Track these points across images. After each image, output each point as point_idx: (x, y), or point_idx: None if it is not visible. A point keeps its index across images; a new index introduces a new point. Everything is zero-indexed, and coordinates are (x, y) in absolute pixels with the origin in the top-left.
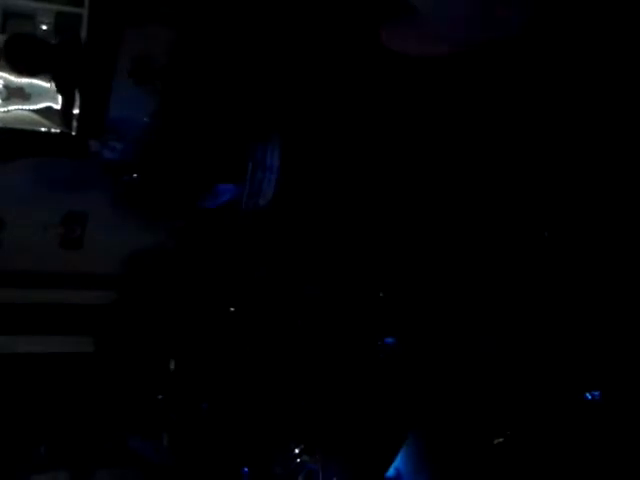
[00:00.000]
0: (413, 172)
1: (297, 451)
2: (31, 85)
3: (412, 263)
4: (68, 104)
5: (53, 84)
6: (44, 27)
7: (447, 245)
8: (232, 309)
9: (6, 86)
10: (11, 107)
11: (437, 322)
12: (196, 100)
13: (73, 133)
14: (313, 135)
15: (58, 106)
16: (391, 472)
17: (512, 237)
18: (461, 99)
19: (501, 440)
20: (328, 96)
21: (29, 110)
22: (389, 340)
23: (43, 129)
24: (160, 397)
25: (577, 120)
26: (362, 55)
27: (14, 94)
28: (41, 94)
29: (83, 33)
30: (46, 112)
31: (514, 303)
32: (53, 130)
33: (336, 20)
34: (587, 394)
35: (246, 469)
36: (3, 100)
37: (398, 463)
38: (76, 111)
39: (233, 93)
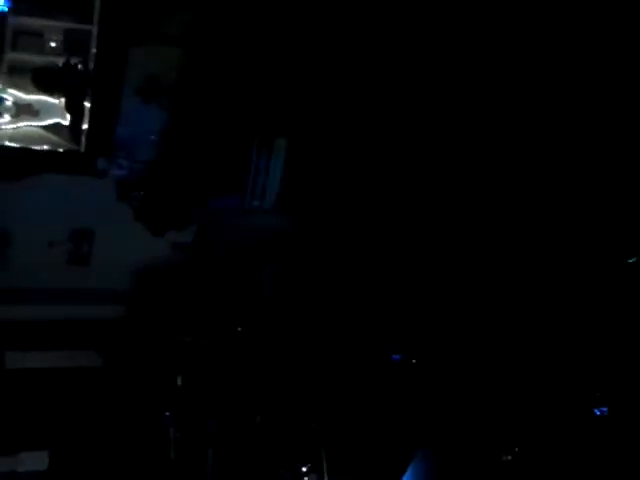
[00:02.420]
0: (416, 179)
1: (304, 470)
2: (40, 102)
3: (416, 278)
4: (77, 121)
5: (62, 101)
6: (53, 44)
7: (450, 258)
8: (239, 329)
9: (15, 103)
10: (20, 124)
11: (444, 340)
12: (201, 112)
13: (82, 150)
14: (316, 140)
15: (67, 122)
16: None
17: (514, 252)
18: (461, 100)
19: (509, 457)
20: (330, 103)
21: (38, 127)
22: (397, 357)
23: (51, 145)
24: (167, 414)
25: (577, 120)
26: (360, 61)
27: (23, 111)
28: (50, 111)
29: (92, 50)
30: (55, 129)
31: (522, 320)
32: (62, 147)
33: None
34: (596, 410)
35: None
36: (12, 117)
37: None
38: (85, 127)
39: (237, 101)
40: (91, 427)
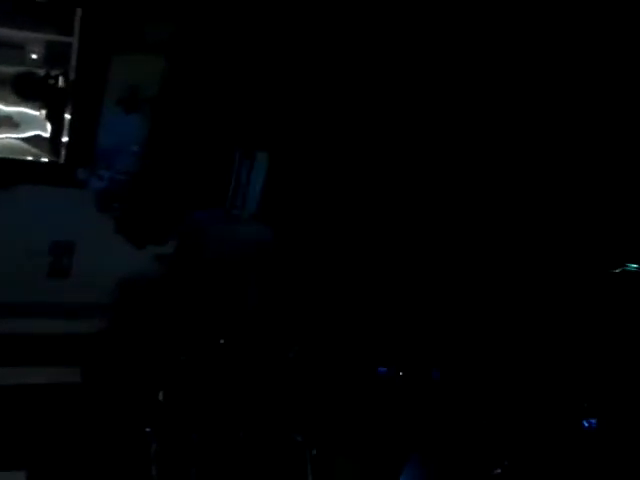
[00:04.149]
0: (400, 188)
1: None
2: (20, 114)
3: (404, 288)
4: (57, 133)
5: (43, 113)
6: (34, 56)
7: (437, 268)
8: (222, 341)
9: None
10: (0, 136)
11: (433, 352)
12: (183, 122)
13: (61, 162)
14: (299, 150)
15: (47, 134)
16: None
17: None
18: (460, 102)
19: (499, 471)
20: (313, 113)
21: (18, 139)
22: (383, 370)
23: (32, 158)
24: (148, 429)
25: (577, 121)
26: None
27: (3, 123)
28: (30, 122)
29: (73, 62)
30: (35, 140)
31: (510, 329)
32: (42, 159)
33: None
34: (584, 422)
35: None
36: None
37: None
38: (65, 139)
39: (219, 113)
40: (70, 444)
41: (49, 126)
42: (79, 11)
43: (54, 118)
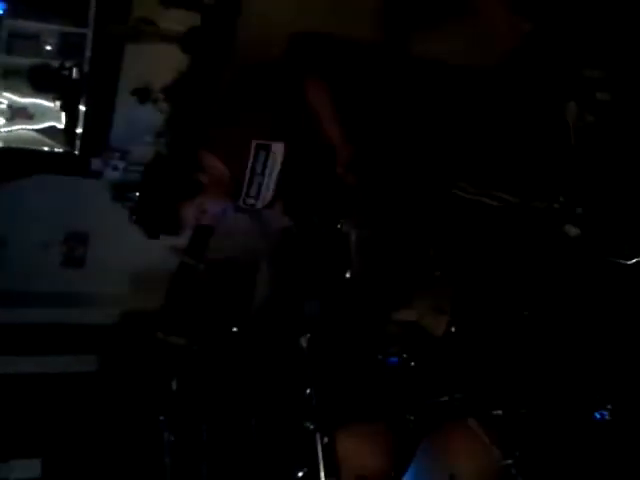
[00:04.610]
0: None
1: (300, 475)
2: (35, 105)
3: (415, 279)
4: (72, 124)
5: (57, 104)
6: (48, 47)
7: (447, 260)
8: (234, 329)
9: (10, 106)
10: (15, 127)
11: (443, 342)
12: (197, 112)
13: (76, 152)
14: (314, 139)
15: (61, 125)
16: None
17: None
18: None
19: (510, 462)
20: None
21: (32, 130)
22: (394, 360)
23: (46, 148)
24: (162, 418)
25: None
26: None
27: (18, 114)
28: (44, 113)
29: (87, 53)
30: (49, 131)
31: (520, 321)
32: (56, 149)
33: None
34: (596, 413)
35: None
36: (7, 120)
37: None
38: (79, 130)
39: (235, 103)
40: (85, 433)
41: (64, 117)
42: (93, 3)
43: (69, 109)
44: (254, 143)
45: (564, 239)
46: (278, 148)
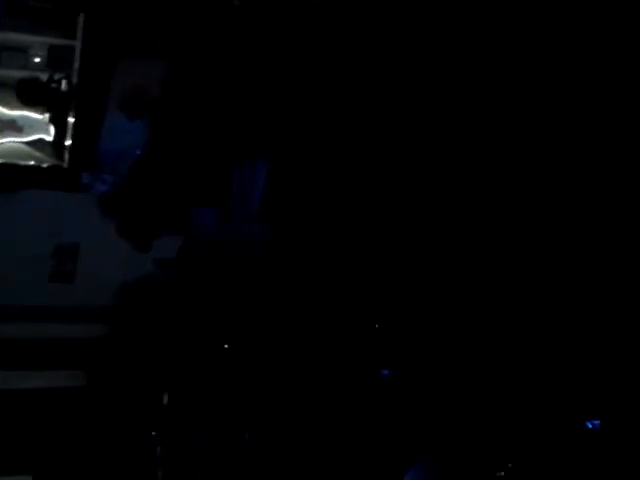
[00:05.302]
0: (403, 188)
1: None
2: (23, 117)
3: (408, 290)
4: (60, 136)
5: (46, 116)
6: (37, 60)
7: (440, 269)
8: (226, 346)
9: None
10: (3, 140)
11: (436, 354)
12: (186, 126)
13: (65, 166)
14: (299, 151)
15: (50, 138)
16: None
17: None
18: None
19: (502, 474)
20: (314, 113)
21: (21, 142)
22: (387, 373)
23: (35, 161)
24: (153, 433)
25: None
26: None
27: (6, 126)
28: (33, 126)
29: (76, 65)
30: (38, 144)
31: (514, 330)
32: (45, 162)
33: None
34: (587, 423)
35: None
36: None
37: None
38: (68, 143)
39: (222, 115)
40: (75, 448)
41: (52, 130)
42: (82, 16)
43: (57, 122)
44: (242, 154)
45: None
46: (264, 158)
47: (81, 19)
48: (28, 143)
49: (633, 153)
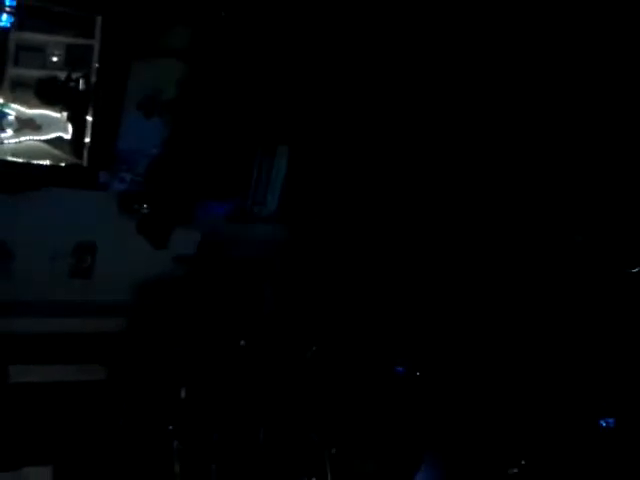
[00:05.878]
0: (419, 187)
1: None
2: (42, 116)
3: (420, 289)
4: (79, 135)
5: (64, 115)
6: (55, 59)
7: (452, 269)
8: (242, 342)
9: (18, 117)
10: (23, 138)
11: (449, 352)
12: (203, 124)
13: (84, 164)
14: (318, 147)
15: (68, 136)
16: None
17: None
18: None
19: (515, 471)
20: (332, 109)
21: (40, 141)
22: (400, 369)
23: (54, 159)
24: (171, 427)
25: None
26: (360, 70)
27: (26, 125)
28: (52, 125)
29: (94, 65)
30: (57, 142)
31: (526, 330)
32: (63, 160)
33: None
34: (602, 421)
35: None
36: (15, 131)
37: None
38: (86, 140)
39: (238, 111)
40: (95, 441)
41: (70, 128)
42: (99, 19)
43: (75, 120)
44: (260, 147)
45: (569, 246)
46: (283, 151)
47: (99, 18)
48: (47, 141)
49: (633, 153)
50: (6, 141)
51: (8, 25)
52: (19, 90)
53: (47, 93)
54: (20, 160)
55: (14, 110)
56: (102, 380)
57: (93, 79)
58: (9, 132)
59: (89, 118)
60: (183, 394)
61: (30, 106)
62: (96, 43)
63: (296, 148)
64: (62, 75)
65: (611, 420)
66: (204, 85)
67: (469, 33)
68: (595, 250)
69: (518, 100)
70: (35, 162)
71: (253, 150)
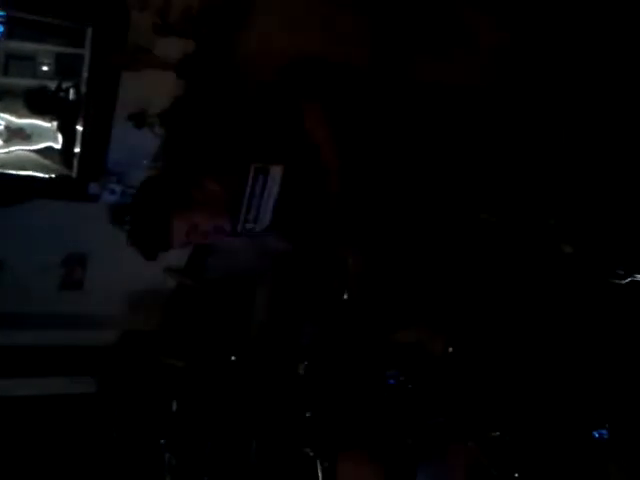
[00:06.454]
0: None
1: None
2: (32, 126)
3: (413, 302)
4: (69, 145)
5: (54, 125)
6: (45, 68)
7: (449, 280)
8: (233, 358)
9: (7, 127)
10: (12, 148)
11: (442, 364)
12: (194, 137)
13: (73, 175)
14: (313, 161)
15: (58, 146)
16: None
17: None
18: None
19: None
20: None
21: (30, 151)
22: (393, 382)
23: (43, 169)
24: (162, 441)
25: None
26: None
27: (15, 135)
28: (42, 135)
29: (84, 73)
30: (47, 152)
31: (520, 339)
32: (53, 171)
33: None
34: (594, 432)
35: None
36: (4, 141)
37: None
38: (76, 150)
39: (231, 126)
40: (86, 454)
41: (60, 138)
42: (89, 30)
43: (66, 130)
44: (253, 167)
45: (559, 257)
46: (276, 171)
47: (89, 27)
48: (36, 151)
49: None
50: None
51: None
52: (8, 99)
53: (37, 102)
54: (10, 172)
55: (3, 119)
56: (93, 393)
57: (83, 89)
58: None
59: (79, 128)
60: (174, 407)
61: (19, 115)
62: (86, 52)
63: (290, 164)
64: (52, 84)
65: (604, 431)
66: (197, 96)
67: None
68: (585, 261)
69: (519, 101)
70: (24, 173)
71: (245, 166)
